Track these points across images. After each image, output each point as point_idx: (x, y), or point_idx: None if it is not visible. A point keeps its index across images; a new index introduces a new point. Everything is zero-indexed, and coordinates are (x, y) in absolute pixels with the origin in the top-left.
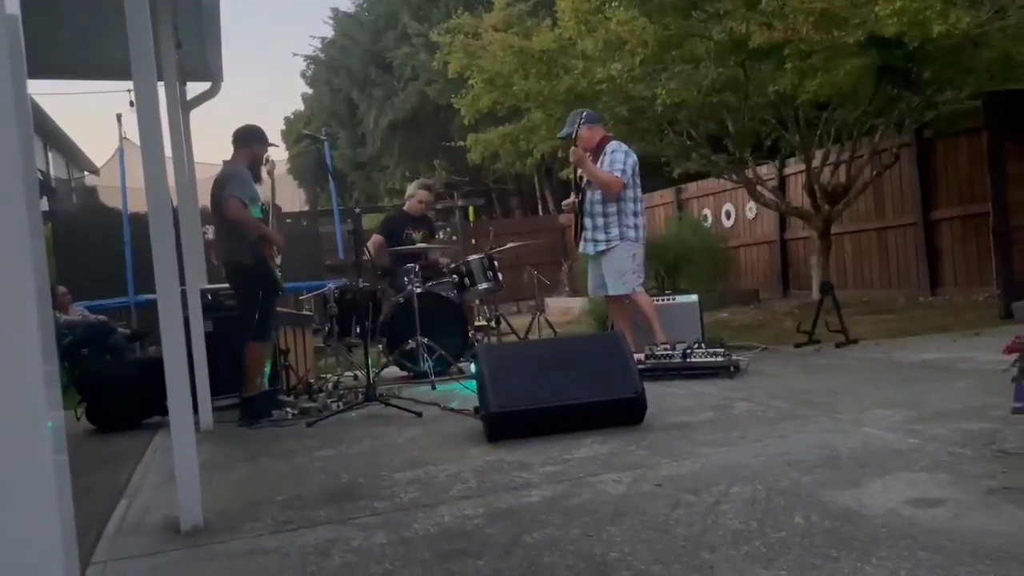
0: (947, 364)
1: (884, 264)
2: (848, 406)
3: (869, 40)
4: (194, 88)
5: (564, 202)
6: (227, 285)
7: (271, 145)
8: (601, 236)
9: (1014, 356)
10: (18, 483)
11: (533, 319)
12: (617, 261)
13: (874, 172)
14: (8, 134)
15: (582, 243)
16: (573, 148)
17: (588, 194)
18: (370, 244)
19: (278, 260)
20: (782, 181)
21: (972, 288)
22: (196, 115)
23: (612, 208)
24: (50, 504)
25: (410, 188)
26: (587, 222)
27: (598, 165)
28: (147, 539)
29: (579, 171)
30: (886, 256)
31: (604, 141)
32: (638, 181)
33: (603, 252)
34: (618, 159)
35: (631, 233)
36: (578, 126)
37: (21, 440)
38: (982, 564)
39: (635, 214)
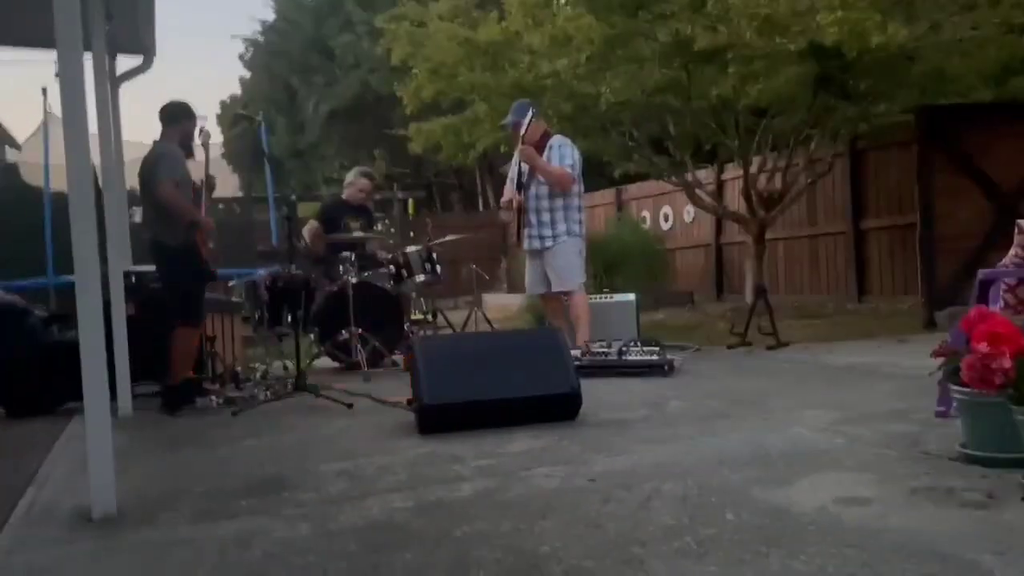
0: (873, 368)
1: (815, 270)
2: (778, 406)
3: (809, 48)
4: (124, 63)
5: (503, 199)
6: (153, 267)
7: (200, 118)
8: (548, 232)
9: (939, 360)
10: None
11: (470, 314)
12: (564, 256)
13: (808, 180)
14: None
15: (526, 239)
16: (522, 146)
17: (532, 190)
18: (306, 231)
19: (210, 245)
20: (720, 186)
21: (898, 296)
22: (126, 92)
23: (559, 203)
24: None
25: (349, 176)
26: (532, 218)
27: (545, 159)
28: (55, 528)
29: (521, 166)
30: (817, 263)
31: (546, 136)
32: (582, 178)
33: (548, 248)
34: (567, 154)
35: (577, 228)
36: (530, 119)
37: None
38: (907, 563)
39: (579, 209)
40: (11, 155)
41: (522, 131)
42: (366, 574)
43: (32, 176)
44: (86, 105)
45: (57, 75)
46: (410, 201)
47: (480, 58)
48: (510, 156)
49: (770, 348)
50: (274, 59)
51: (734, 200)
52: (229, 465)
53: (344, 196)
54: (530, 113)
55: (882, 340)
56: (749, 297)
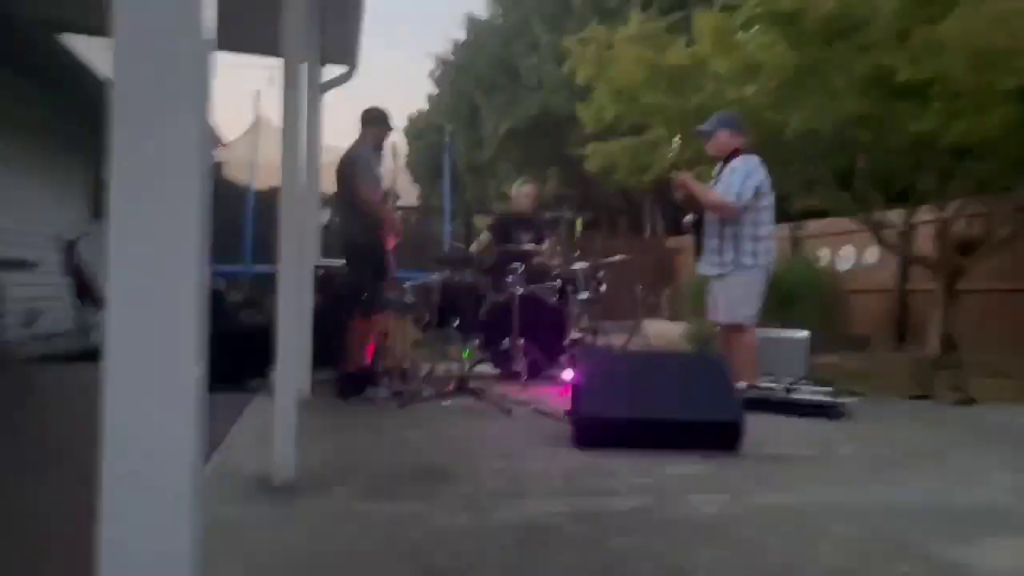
0: None
1: (1010, 328)
2: (963, 463)
3: None
4: (328, 72)
5: (685, 219)
6: (338, 262)
7: (393, 129)
8: (715, 259)
9: None
10: (171, 417)
11: (631, 337)
12: (729, 288)
13: (1012, 229)
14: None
15: (701, 264)
16: (675, 172)
17: (708, 214)
18: (479, 240)
19: (392, 245)
20: (909, 229)
21: None
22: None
23: (727, 231)
24: (190, 442)
25: (514, 187)
26: (707, 243)
27: (721, 176)
28: (239, 489)
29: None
30: (1015, 320)
31: (737, 152)
32: (767, 202)
33: (718, 276)
34: (735, 181)
35: (747, 260)
36: (714, 127)
37: (175, 384)
38: None
39: (754, 239)
40: (219, 153)
41: (673, 156)
42: (520, 569)
43: (237, 173)
44: (304, 110)
45: (271, 81)
46: (579, 221)
47: (664, 81)
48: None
49: (957, 404)
50: (461, 76)
51: (924, 246)
52: (394, 451)
53: (514, 209)
54: (716, 121)
55: None
56: (932, 348)
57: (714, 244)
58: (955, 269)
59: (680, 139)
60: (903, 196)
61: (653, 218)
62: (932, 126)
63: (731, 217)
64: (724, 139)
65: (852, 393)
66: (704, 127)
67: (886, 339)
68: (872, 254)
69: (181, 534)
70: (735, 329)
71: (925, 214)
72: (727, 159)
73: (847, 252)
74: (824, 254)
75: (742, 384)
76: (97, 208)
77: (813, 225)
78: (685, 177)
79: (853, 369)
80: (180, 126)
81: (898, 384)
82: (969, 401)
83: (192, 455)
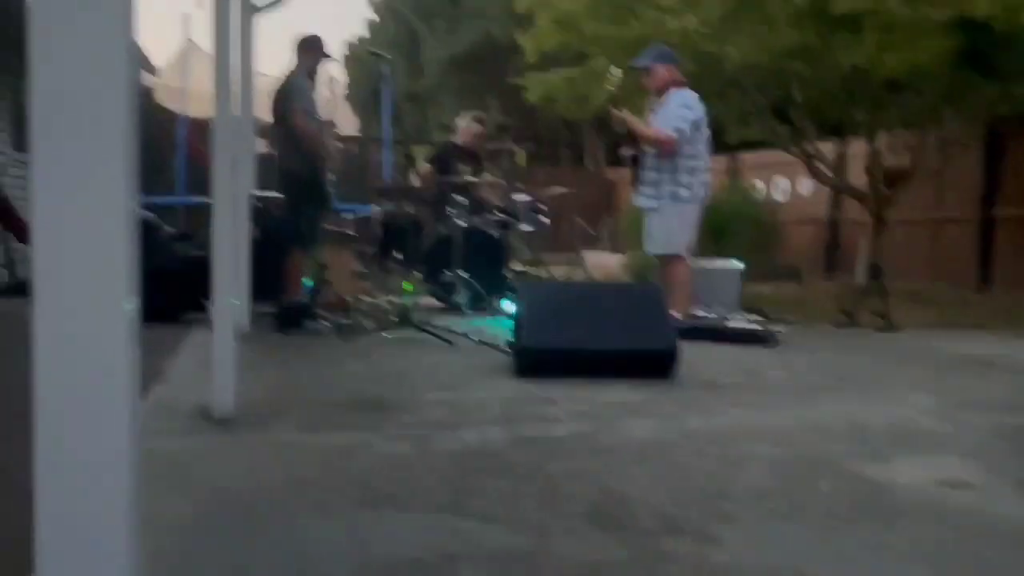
0: (989, 360)
1: (935, 256)
2: (884, 386)
3: (957, 20)
4: None
5: (622, 149)
6: (276, 194)
7: (329, 58)
8: (651, 192)
9: None
10: (99, 352)
11: (571, 269)
12: (663, 220)
13: (939, 161)
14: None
15: (635, 196)
16: (613, 111)
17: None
18: (419, 171)
19: (331, 176)
20: (842, 160)
21: (1022, 290)
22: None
23: (666, 163)
24: (123, 379)
25: (464, 119)
26: (643, 175)
27: (658, 113)
28: (179, 422)
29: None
30: (939, 249)
31: (672, 85)
32: (705, 135)
33: (652, 209)
34: (676, 114)
35: (683, 193)
36: (650, 63)
37: (104, 318)
38: (1012, 550)
39: (691, 171)
40: (148, 79)
41: (645, 70)
42: (461, 493)
43: (168, 100)
44: (236, 35)
45: (200, 3)
46: (520, 152)
47: (607, 10)
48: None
49: (880, 330)
50: (401, 2)
51: (856, 177)
52: (335, 384)
53: (456, 140)
54: (652, 55)
55: (1003, 333)
56: (861, 277)
57: (651, 177)
58: (884, 200)
59: (619, 71)
60: (836, 128)
61: (594, 150)
62: (866, 58)
63: (669, 151)
64: (661, 73)
65: (783, 321)
66: (640, 61)
67: (817, 269)
68: (805, 185)
69: (120, 467)
70: (670, 260)
71: (856, 147)
72: (662, 92)
73: (781, 183)
74: (759, 185)
75: (677, 314)
76: (20, 140)
77: (749, 157)
78: (623, 113)
79: (785, 298)
80: (103, 47)
81: (827, 312)
82: (892, 327)
83: (129, 387)
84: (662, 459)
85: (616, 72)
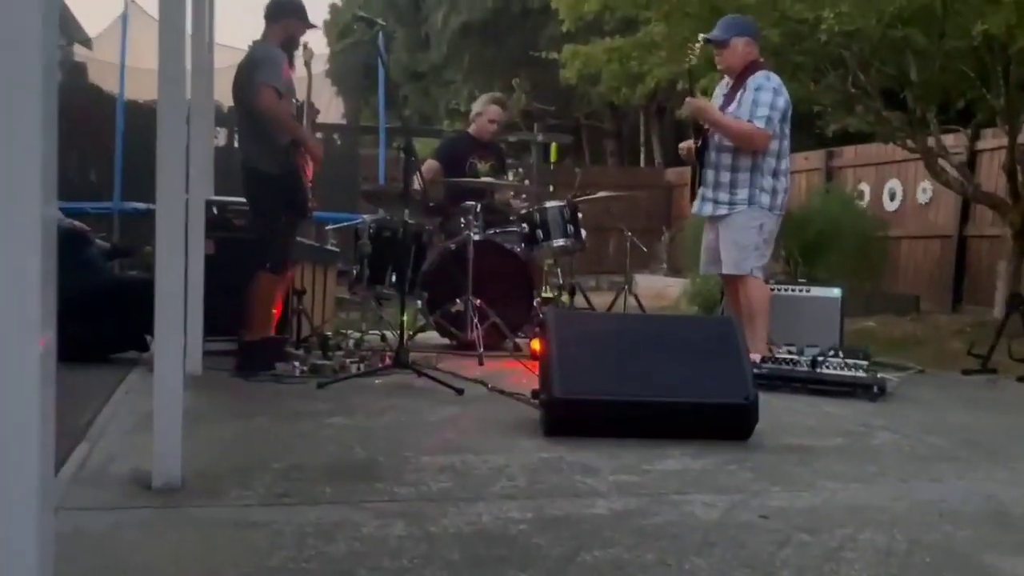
0: None
1: None
2: None
3: None
4: None
5: (681, 145)
6: (238, 199)
7: (311, 26)
8: (724, 196)
9: None
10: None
11: (617, 297)
12: (739, 231)
13: None
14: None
15: (697, 202)
16: (689, 99)
17: (715, 138)
18: (423, 170)
19: (310, 176)
20: (972, 157)
21: None
22: None
23: (745, 162)
24: (32, 438)
25: (478, 104)
26: (708, 175)
27: (737, 99)
28: (110, 491)
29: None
30: None
31: (753, 67)
32: (787, 130)
33: (723, 217)
34: (764, 99)
35: (764, 198)
36: (728, 37)
37: (6, 360)
38: None
39: (774, 174)
40: (80, 53)
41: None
42: None
43: (102, 78)
44: None
45: None
46: (553, 145)
47: None
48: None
49: (1023, 379)
50: None
51: (991, 178)
52: (311, 443)
53: (471, 131)
54: (730, 26)
55: None
56: (999, 310)
57: (725, 178)
58: None
59: (701, 40)
60: (965, 117)
61: (649, 143)
62: (1003, 25)
63: (761, 148)
64: (741, 49)
65: (895, 367)
66: (716, 34)
67: (941, 298)
68: (924, 191)
69: (27, 553)
70: (745, 283)
71: (992, 139)
72: (741, 74)
73: (893, 187)
74: (864, 189)
75: (754, 355)
76: None
77: (851, 152)
78: (702, 102)
79: (897, 336)
80: (14, 11)
81: (953, 355)
82: None
83: (40, 449)
84: (733, 549)
85: (699, 41)
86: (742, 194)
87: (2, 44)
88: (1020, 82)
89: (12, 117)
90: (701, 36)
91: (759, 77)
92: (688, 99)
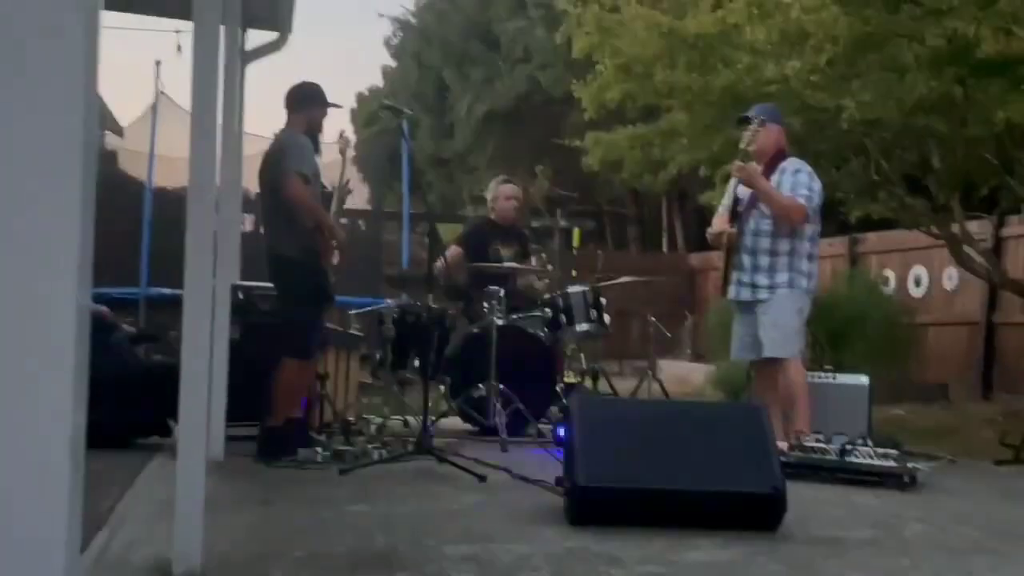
0: None
1: None
2: None
3: None
4: (254, 38)
5: (714, 229)
6: (264, 283)
7: (333, 106)
8: (763, 280)
9: None
10: (30, 492)
11: (641, 382)
12: (781, 314)
13: None
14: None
15: (733, 287)
16: (739, 163)
17: (751, 223)
18: (447, 255)
19: (335, 261)
20: (998, 244)
21: None
22: (251, 74)
23: (784, 245)
24: (60, 526)
25: (490, 190)
26: (745, 260)
27: (774, 182)
28: None
29: (740, 190)
30: None
31: (781, 155)
32: (819, 216)
33: (762, 301)
34: (803, 181)
35: (803, 282)
36: (760, 121)
37: (38, 445)
38: None
39: (810, 258)
40: (111, 140)
41: (745, 139)
42: None
43: (132, 166)
44: (218, 84)
45: (179, 48)
46: (576, 231)
47: (685, 54)
48: (709, 184)
49: None
50: (426, 46)
51: (1017, 265)
52: (332, 531)
53: (493, 217)
54: (765, 112)
55: None
56: None
57: (764, 262)
58: None
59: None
60: (989, 203)
61: (672, 228)
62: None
63: (799, 224)
64: (775, 135)
65: (925, 456)
66: (754, 114)
67: (970, 386)
68: (951, 277)
69: None
70: (786, 366)
71: (1018, 225)
72: (773, 159)
73: (919, 274)
74: (889, 275)
75: (796, 439)
76: None
77: (875, 239)
78: (754, 168)
79: (927, 425)
80: (57, 102)
81: (985, 445)
82: None
83: (65, 539)
84: None
85: (756, 123)
86: (782, 277)
87: (50, 128)
88: None
89: (55, 202)
90: (739, 116)
91: (795, 162)
92: (738, 163)
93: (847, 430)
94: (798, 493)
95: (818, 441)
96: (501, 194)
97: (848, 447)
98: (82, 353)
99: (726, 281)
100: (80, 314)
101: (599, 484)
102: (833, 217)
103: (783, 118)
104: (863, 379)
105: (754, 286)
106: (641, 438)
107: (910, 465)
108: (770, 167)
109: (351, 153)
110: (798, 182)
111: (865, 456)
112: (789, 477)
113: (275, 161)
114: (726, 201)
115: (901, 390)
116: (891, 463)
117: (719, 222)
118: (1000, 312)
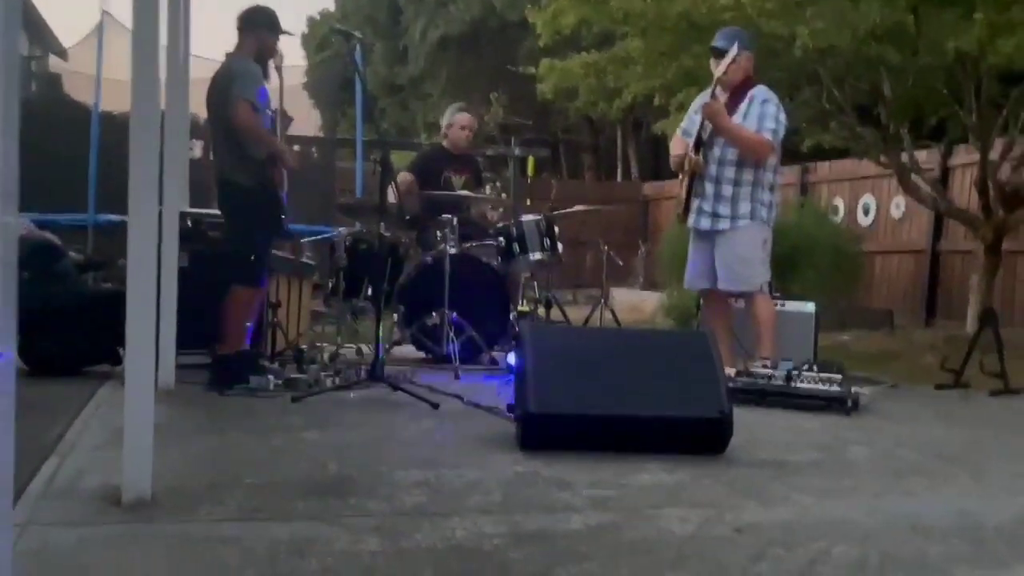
0: None
1: None
2: (999, 468)
3: None
4: None
5: (673, 153)
6: (213, 211)
7: (285, 33)
8: (725, 210)
9: None
10: None
11: (593, 311)
12: (743, 246)
13: None
14: None
15: (693, 215)
16: (711, 100)
17: (716, 150)
18: (397, 183)
19: (285, 188)
20: (945, 173)
21: None
22: None
23: (748, 175)
24: None
25: (445, 116)
26: (708, 188)
27: (741, 112)
28: (78, 506)
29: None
30: None
31: (748, 83)
32: (780, 148)
33: (723, 231)
34: (771, 113)
35: (763, 212)
36: (735, 52)
37: None
38: None
39: (772, 188)
40: (55, 64)
41: (723, 67)
42: None
43: (77, 90)
44: (159, 2)
45: None
46: (530, 159)
47: None
48: (663, 113)
49: (995, 393)
50: None
51: (963, 194)
52: (284, 458)
53: (445, 144)
54: (736, 44)
55: None
56: (972, 325)
57: (727, 192)
58: (1000, 224)
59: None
60: (938, 132)
61: (626, 157)
62: (975, 42)
63: (764, 159)
64: (745, 64)
65: (869, 381)
66: (723, 43)
67: (914, 313)
68: (899, 205)
69: None
70: (752, 299)
71: (964, 155)
72: (740, 87)
73: (867, 203)
74: (839, 204)
75: (729, 369)
76: None
77: (825, 168)
78: (718, 106)
79: (872, 351)
80: None
81: (927, 370)
82: (1010, 391)
83: (3, 462)
84: (707, 562)
85: (734, 51)
86: (744, 208)
87: None
88: (992, 99)
89: None
90: (715, 46)
91: (763, 91)
92: (710, 101)
93: (794, 356)
94: (744, 418)
95: (765, 367)
96: (456, 122)
97: (794, 373)
98: (10, 282)
99: (686, 208)
100: (5, 232)
101: (549, 411)
102: (785, 146)
103: (754, 42)
104: (809, 306)
105: (715, 215)
106: (590, 365)
107: (853, 390)
108: (738, 94)
109: (294, 78)
110: (765, 113)
111: (810, 381)
112: (736, 402)
113: (223, 87)
114: (684, 124)
115: (848, 317)
116: (835, 388)
117: (679, 144)
118: (945, 240)
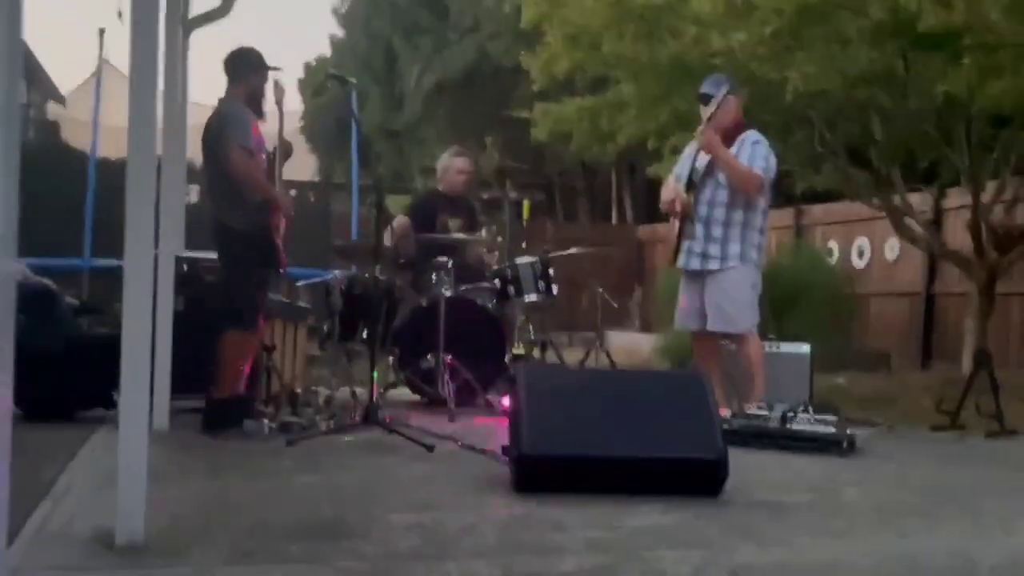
0: None
1: None
2: (995, 510)
3: None
4: (198, 5)
5: (664, 197)
6: (209, 255)
7: (272, 70)
8: (715, 251)
9: None
10: None
11: (588, 353)
12: (733, 287)
13: None
14: None
15: (684, 255)
16: (702, 128)
17: (707, 192)
18: (394, 226)
19: (282, 231)
20: (938, 216)
21: None
22: (195, 43)
23: (738, 216)
24: None
25: (442, 160)
26: (698, 229)
27: (737, 153)
28: (70, 550)
29: (696, 160)
30: None
31: (738, 126)
32: (771, 190)
33: (713, 272)
34: (761, 153)
35: (753, 255)
36: (723, 94)
37: None
38: None
39: (761, 231)
40: (53, 110)
41: (710, 110)
42: None
43: (75, 136)
44: (157, 51)
45: (119, 14)
46: (525, 203)
47: (633, 25)
48: (657, 156)
49: (991, 435)
50: (374, 14)
51: (957, 236)
52: (278, 501)
53: (441, 188)
54: (724, 88)
55: None
56: (967, 367)
57: (717, 232)
58: (993, 267)
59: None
60: (930, 175)
61: (620, 200)
62: (964, 86)
63: (755, 194)
64: (733, 108)
65: (865, 423)
66: (710, 89)
67: (909, 355)
68: (892, 248)
69: None
70: (742, 340)
71: (957, 198)
72: (731, 131)
73: (862, 244)
74: (833, 247)
75: (724, 411)
76: None
77: (819, 210)
78: (714, 137)
79: (866, 392)
80: None
81: (922, 411)
82: (1006, 432)
83: None
84: None
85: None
86: (734, 249)
87: None
88: (982, 142)
89: None
90: (703, 92)
91: (754, 134)
92: (700, 129)
93: (789, 398)
94: (740, 459)
95: (760, 408)
96: (453, 166)
97: (789, 414)
98: (7, 322)
99: (677, 249)
100: (3, 283)
101: (544, 452)
102: (778, 188)
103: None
104: (805, 348)
105: (704, 255)
106: (585, 406)
107: (849, 431)
108: (729, 138)
109: (286, 99)
110: (756, 153)
111: (805, 423)
112: (731, 443)
113: (216, 133)
114: (677, 170)
115: (843, 359)
116: (830, 429)
117: (670, 190)
118: (939, 282)
